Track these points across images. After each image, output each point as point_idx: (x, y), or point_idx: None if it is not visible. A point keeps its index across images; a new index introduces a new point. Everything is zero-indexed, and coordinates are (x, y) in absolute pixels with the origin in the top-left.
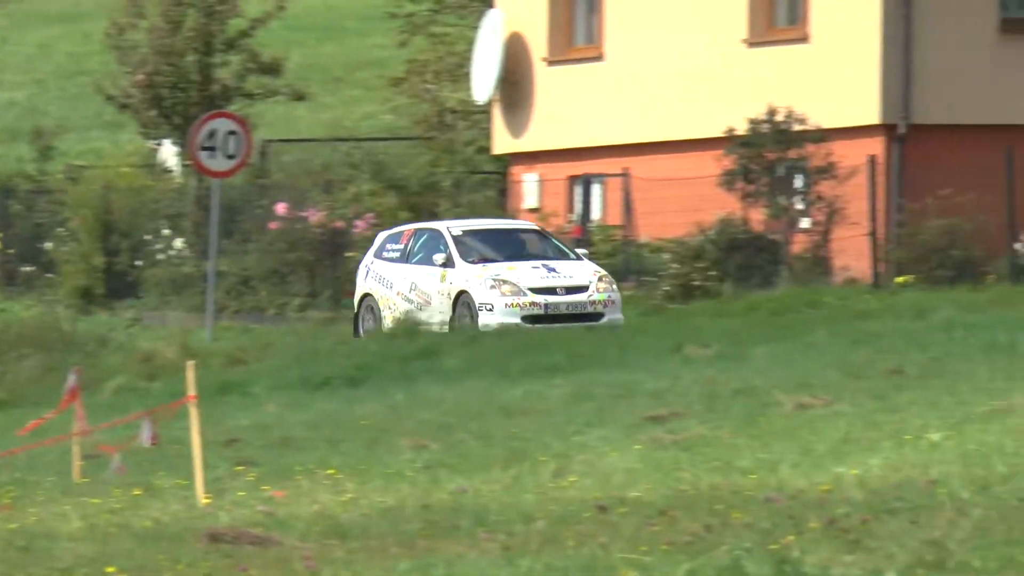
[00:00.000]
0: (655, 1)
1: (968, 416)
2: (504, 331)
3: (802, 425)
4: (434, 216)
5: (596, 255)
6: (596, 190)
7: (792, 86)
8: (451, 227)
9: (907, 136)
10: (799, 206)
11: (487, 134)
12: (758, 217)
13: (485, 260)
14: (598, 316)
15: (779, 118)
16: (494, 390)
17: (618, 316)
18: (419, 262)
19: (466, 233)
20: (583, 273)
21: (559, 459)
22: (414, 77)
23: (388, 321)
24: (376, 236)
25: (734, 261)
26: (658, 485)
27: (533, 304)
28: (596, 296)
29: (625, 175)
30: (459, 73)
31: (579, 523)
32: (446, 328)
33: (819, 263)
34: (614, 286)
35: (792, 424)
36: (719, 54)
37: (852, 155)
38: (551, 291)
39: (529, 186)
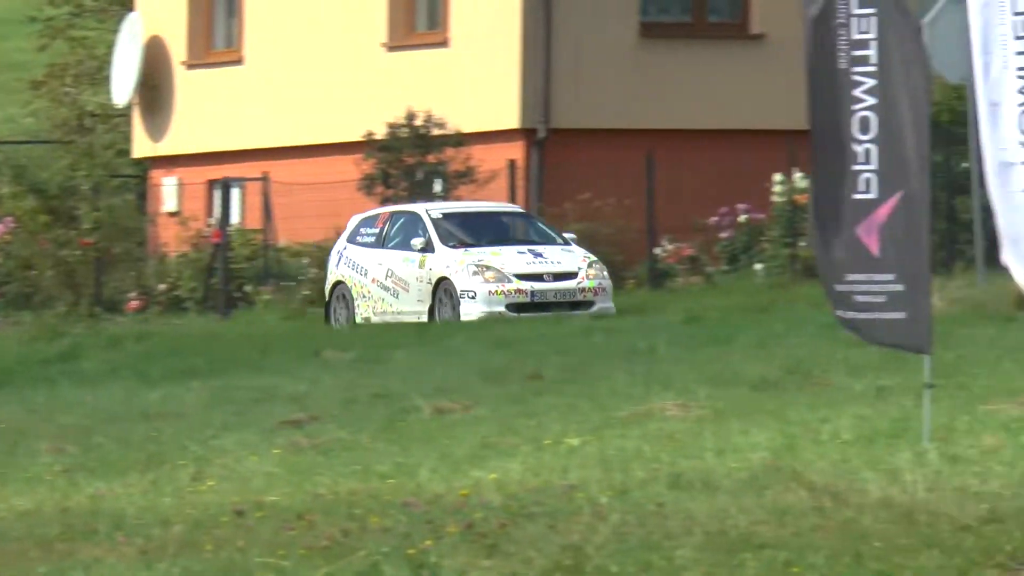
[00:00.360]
0: (294, 5)
1: (607, 421)
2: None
3: (441, 430)
4: (73, 220)
5: (235, 259)
6: (235, 194)
7: (432, 90)
8: (430, 209)
9: (547, 140)
10: None
11: (127, 137)
12: None
13: (467, 245)
14: (588, 304)
15: (418, 122)
16: (133, 394)
17: (609, 305)
18: (396, 247)
19: (447, 216)
20: (572, 259)
21: (197, 463)
22: (54, 80)
23: (363, 311)
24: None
25: None
26: (296, 490)
27: (518, 291)
28: (586, 283)
29: (264, 179)
30: (99, 77)
31: (217, 527)
32: (424, 319)
33: None
34: (605, 273)
35: (431, 429)
36: (359, 58)
37: (493, 159)
38: (538, 277)
39: (168, 190)
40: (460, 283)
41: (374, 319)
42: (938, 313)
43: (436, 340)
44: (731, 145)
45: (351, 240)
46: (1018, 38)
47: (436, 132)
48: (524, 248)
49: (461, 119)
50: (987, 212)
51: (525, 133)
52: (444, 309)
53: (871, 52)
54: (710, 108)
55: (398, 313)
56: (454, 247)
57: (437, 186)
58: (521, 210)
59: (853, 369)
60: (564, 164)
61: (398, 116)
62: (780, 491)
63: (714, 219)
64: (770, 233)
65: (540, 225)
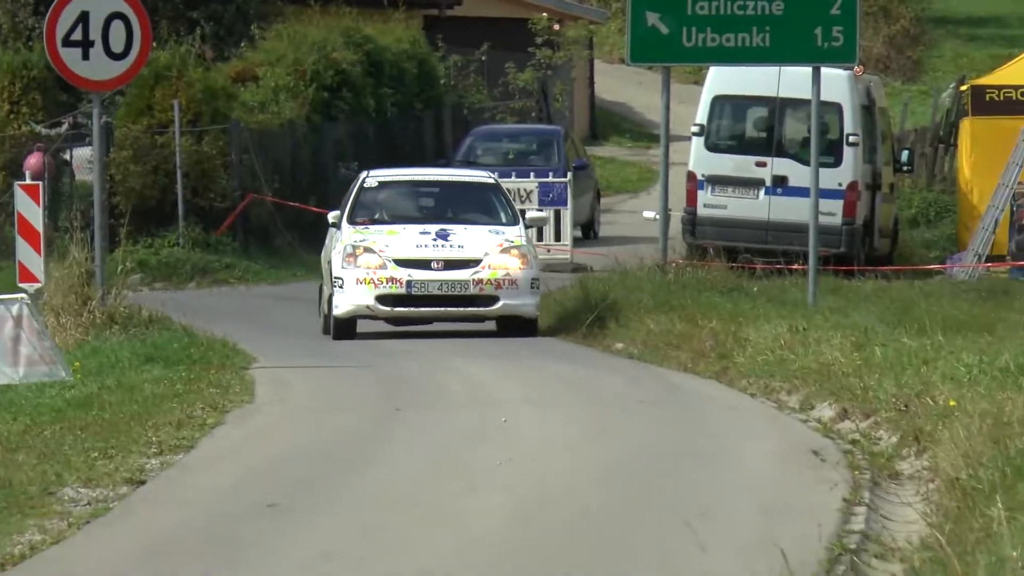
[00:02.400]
0: None
1: None
2: None
3: None
4: None
5: None
6: None
7: None
8: (371, 176)
9: None
10: None
11: None
12: None
13: (380, 221)
14: (489, 300)
15: None
16: None
17: (525, 303)
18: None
19: (384, 184)
20: (483, 242)
21: None
22: None
23: (327, 307)
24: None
25: None
26: None
27: (392, 280)
28: (484, 273)
29: None
30: None
31: None
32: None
33: None
34: (534, 262)
35: None
36: None
37: None
38: (423, 264)
39: None
40: (334, 269)
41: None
42: None
43: None
44: None
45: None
46: None
47: None
48: (435, 227)
49: None
50: None
51: None
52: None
53: None
54: None
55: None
56: (360, 223)
57: None
58: (490, 181)
59: None
60: None
61: None
62: None
63: None
64: None
65: (504, 200)
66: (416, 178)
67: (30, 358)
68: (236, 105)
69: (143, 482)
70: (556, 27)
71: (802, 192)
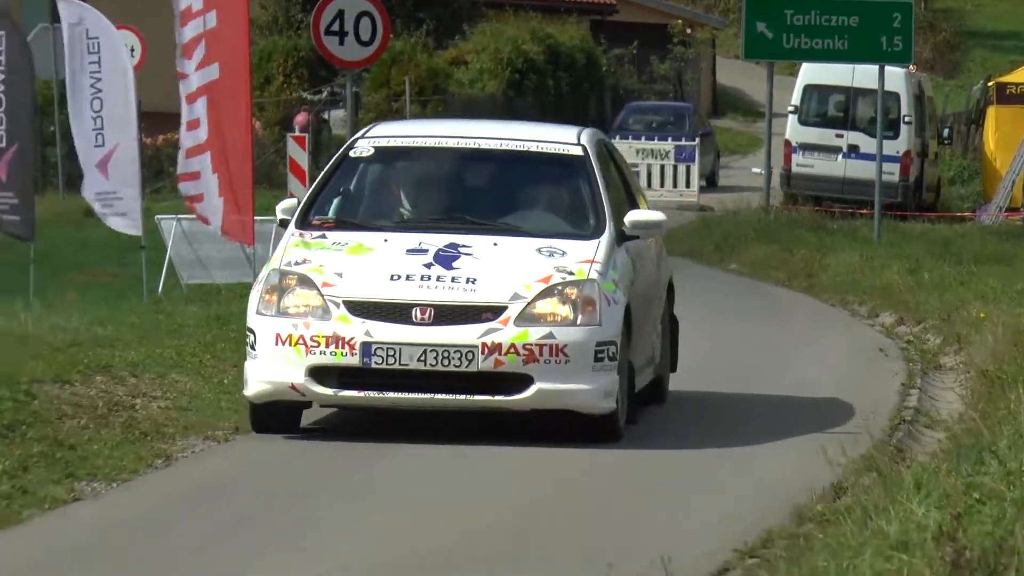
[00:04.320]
0: None
1: None
2: None
3: None
4: None
5: None
6: None
7: None
8: (367, 138)
9: None
10: None
11: None
12: None
13: (349, 224)
14: (514, 382)
15: None
16: None
17: (581, 389)
18: None
19: (384, 154)
20: (515, 272)
21: None
22: None
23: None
24: None
25: None
26: None
27: (337, 341)
28: (505, 334)
29: None
30: None
31: None
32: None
33: None
34: (611, 312)
35: None
36: None
37: None
38: (398, 312)
39: None
40: (248, 312)
41: None
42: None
43: None
44: None
45: None
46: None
47: None
48: (440, 239)
49: None
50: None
51: None
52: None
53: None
54: None
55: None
56: (311, 227)
57: None
58: (573, 151)
59: None
60: None
61: None
62: None
63: None
64: None
65: (597, 185)
66: (441, 144)
67: None
68: (451, 82)
69: None
70: (688, 31)
71: (869, 157)
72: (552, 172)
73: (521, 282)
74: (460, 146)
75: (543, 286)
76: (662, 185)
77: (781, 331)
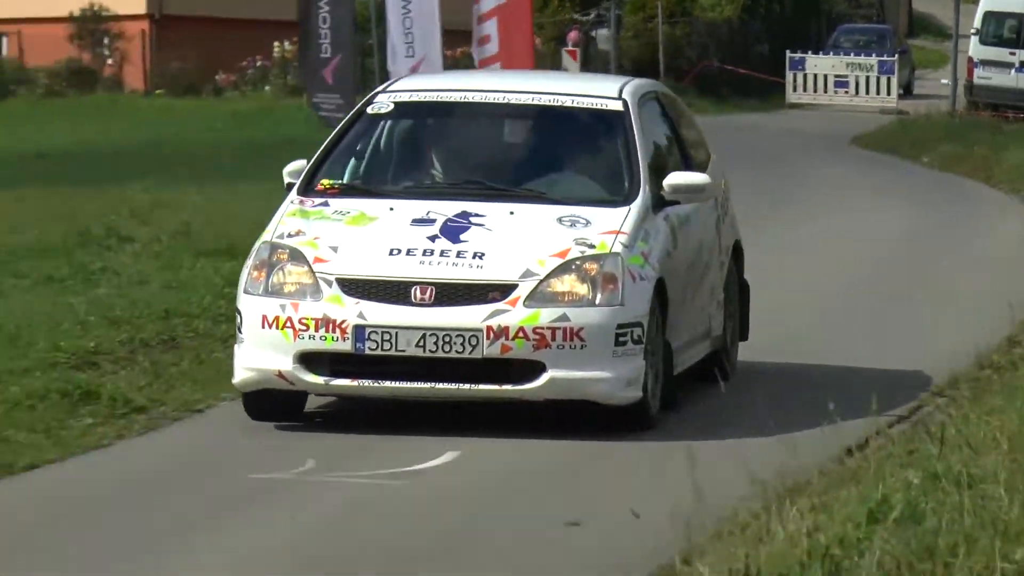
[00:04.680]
0: None
1: None
2: None
3: None
4: None
5: None
6: None
7: None
8: (389, 91)
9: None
10: None
11: None
12: None
13: (354, 190)
14: (523, 370)
15: None
16: None
17: (598, 377)
18: None
19: (404, 110)
20: (530, 246)
21: None
22: None
23: None
24: None
25: None
26: None
27: (328, 324)
28: (513, 316)
29: None
30: None
31: None
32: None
33: None
34: (638, 290)
35: None
36: None
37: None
38: (395, 291)
39: None
40: (239, 290)
41: None
42: None
43: None
44: None
45: None
46: None
47: None
48: (452, 206)
49: None
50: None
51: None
52: None
53: None
54: None
55: None
56: (313, 192)
57: None
58: (614, 105)
59: None
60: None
61: None
62: None
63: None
64: None
65: (636, 145)
66: (466, 98)
67: None
68: (695, 6)
69: None
70: None
71: None
72: (586, 130)
73: (535, 257)
74: (487, 100)
75: (559, 261)
76: (867, 93)
77: (961, 214)
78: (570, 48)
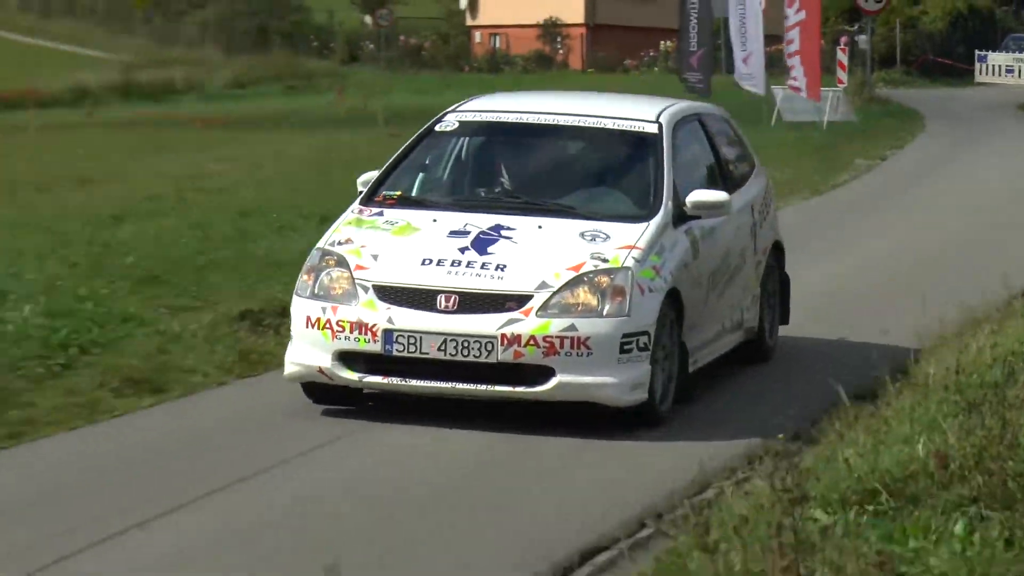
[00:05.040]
0: None
1: None
2: None
3: None
4: None
5: None
6: None
7: None
8: (460, 111)
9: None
10: None
11: None
12: None
13: (410, 202)
14: (535, 374)
15: None
16: None
17: (603, 382)
18: None
19: (468, 128)
20: (547, 260)
21: None
22: None
23: None
24: None
25: None
26: None
27: (361, 327)
28: (526, 324)
29: None
30: None
31: None
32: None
33: None
34: (645, 303)
35: None
36: None
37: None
38: (423, 298)
39: None
40: (295, 296)
41: None
42: None
43: None
44: None
45: None
46: None
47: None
48: (488, 219)
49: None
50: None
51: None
52: None
53: None
54: None
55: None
56: (374, 202)
57: None
58: (648, 128)
59: None
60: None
61: None
62: None
63: None
64: None
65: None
66: (519, 120)
67: (844, 112)
68: (920, 21)
69: None
70: None
71: None
72: (622, 150)
73: (552, 270)
74: (535, 122)
75: (573, 274)
76: None
77: None
78: (841, 47)
